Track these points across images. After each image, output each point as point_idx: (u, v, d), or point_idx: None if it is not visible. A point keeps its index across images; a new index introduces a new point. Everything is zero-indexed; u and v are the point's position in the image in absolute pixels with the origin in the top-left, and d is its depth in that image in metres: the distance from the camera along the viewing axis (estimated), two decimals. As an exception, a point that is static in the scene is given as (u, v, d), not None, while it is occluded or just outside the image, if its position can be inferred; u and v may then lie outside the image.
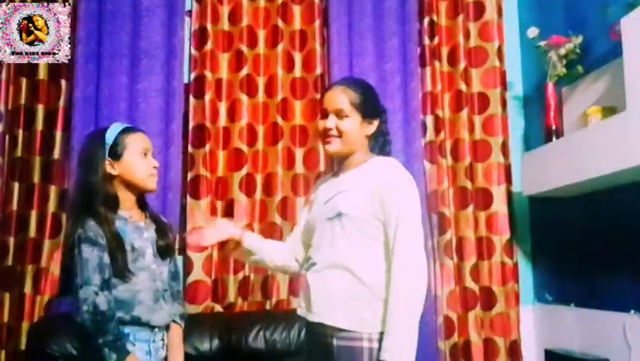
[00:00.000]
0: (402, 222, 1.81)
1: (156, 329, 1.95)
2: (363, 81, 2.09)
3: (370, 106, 1.96)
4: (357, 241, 1.84)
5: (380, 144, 2.03)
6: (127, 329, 1.88)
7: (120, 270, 1.87)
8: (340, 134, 1.91)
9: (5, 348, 3.03)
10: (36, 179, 3.18)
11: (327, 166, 3.33)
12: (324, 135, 1.95)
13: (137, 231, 1.97)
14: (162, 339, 1.98)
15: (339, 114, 1.91)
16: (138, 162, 1.99)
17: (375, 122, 1.97)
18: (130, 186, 1.99)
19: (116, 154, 1.97)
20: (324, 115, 1.95)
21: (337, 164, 2.04)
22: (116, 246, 1.88)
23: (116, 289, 1.87)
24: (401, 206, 1.83)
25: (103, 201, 1.92)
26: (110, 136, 1.98)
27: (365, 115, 1.93)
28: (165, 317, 1.98)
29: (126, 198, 1.99)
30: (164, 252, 2.03)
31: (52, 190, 3.16)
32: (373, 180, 1.87)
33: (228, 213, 3.28)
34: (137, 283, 1.91)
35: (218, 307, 3.22)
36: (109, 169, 1.96)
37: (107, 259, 1.86)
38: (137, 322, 1.89)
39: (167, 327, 2.04)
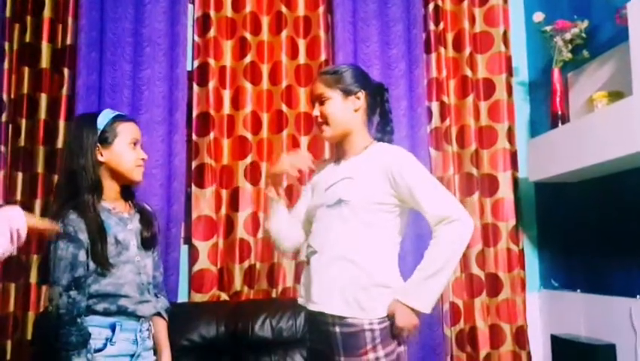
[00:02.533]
0: (416, 185, 1.83)
1: (142, 319, 1.94)
2: (340, 65, 2.12)
3: (348, 81, 1.95)
4: (357, 229, 1.84)
5: (380, 126, 2.03)
6: (113, 319, 1.86)
7: (99, 258, 1.84)
8: (326, 119, 1.93)
9: (11, 338, 3.04)
10: (40, 169, 3.17)
11: (332, 155, 3.32)
12: (316, 125, 2.00)
13: (120, 223, 1.94)
14: (148, 329, 1.98)
15: (320, 100, 1.94)
16: (127, 151, 1.96)
17: (361, 95, 1.96)
18: (115, 175, 1.96)
19: (106, 141, 1.94)
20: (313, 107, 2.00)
21: (337, 150, 2.04)
22: (98, 233, 1.84)
23: (99, 283, 1.85)
24: (410, 176, 1.85)
25: (90, 187, 1.89)
26: (101, 122, 1.95)
27: (345, 91, 1.94)
28: (151, 308, 1.97)
29: (110, 188, 1.96)
30: (148, 243, 2.01)
31: (56, 180, 3.15)
32: (380, 166, 1.86)
33: (233, 201, 3.28)
34: (122, 276, 1.88)
35: (224, 296, 3.22)
36: (97, 155, 1.93)
37: (82, 256, 1.82)
38: (123, 312, 1.88)
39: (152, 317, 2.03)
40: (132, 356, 1.89)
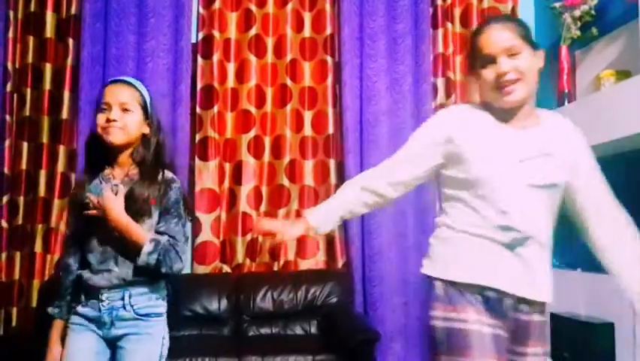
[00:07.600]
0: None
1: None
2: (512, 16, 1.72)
3: (531, 34, 1.58)
4: (557, 212, 1.70)
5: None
6: None
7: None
8: (521, 76, 1.50)
9: (17, 305, 3.09)
10: (45, 139, 3.19)
11: (336, 130, 3.31)
12: (499, 85, 1.51)
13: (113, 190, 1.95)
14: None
15: (512, 52, 1.51)
16: (99, 115, 1.95)
17: (541, 53, 1.58)
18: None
19: (99, 108, 1.96)
20: (486, 62, 1.53)
21: (502, 111, 1.58)
22: (72, 209, 1.89)
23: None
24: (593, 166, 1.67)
25: (86, 160, 1.92)
26: (100, 92, 1.97)
27: (533, 45, 1.55)
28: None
29: (109, 154, 1.94)
30: (133, 215, 1.83)
31: (61, 150, 3.17)
32: (569, 144, 1.64)
33: (236, 175, 3.29)
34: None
35: (226, 268, 3.25)
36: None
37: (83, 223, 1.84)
38: None
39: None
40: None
